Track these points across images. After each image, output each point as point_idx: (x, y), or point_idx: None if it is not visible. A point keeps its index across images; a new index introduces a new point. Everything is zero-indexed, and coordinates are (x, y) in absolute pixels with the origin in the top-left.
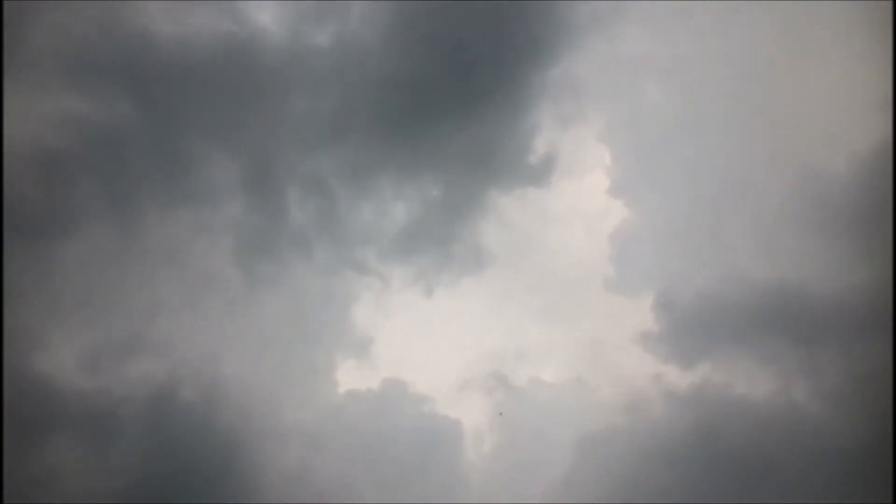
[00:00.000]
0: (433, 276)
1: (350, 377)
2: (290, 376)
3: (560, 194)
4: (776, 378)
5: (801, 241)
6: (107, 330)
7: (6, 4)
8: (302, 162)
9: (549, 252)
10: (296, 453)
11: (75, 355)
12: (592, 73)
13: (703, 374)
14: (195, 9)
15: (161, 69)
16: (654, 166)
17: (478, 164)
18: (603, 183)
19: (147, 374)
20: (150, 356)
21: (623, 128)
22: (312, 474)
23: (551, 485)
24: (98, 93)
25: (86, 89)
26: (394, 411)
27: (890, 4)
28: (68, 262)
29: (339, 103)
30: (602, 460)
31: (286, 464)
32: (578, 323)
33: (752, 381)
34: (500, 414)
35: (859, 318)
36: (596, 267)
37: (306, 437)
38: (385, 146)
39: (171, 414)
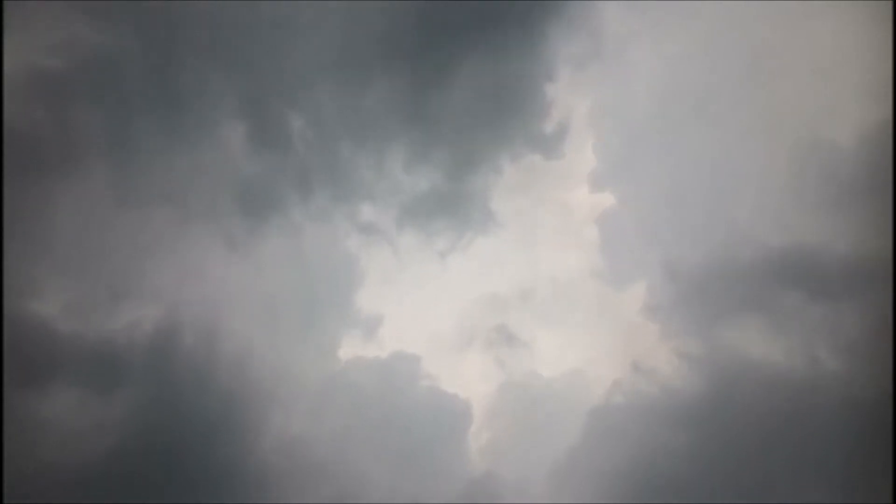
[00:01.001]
0: (440, 235)
1: (354, 342)
2: (292, 335)
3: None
4: (792, 336)
5: (807, 206)
6: (103, 273)
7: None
8: (306, 102)
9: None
10: (296, 419)
11: (70, 298)
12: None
13: (717, 339)
14: None
15: None
16: (657, 135)
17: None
18: (609, 149)
19: (144, 319)
20: (147, 300)
21: (620, 99)
22: (311, 440)
23: (560, 456)
24: (99, 18)
25: (86, 13)
26: (398, 378)
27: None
28: (66, 202)
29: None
30: (612, 430)
31: (284, 427)
32: (584, 295)
33: (767, 342)
34: None
35: (871, 271)
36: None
37: (307, 402)
38: (392, 93)
39: (170, 362)
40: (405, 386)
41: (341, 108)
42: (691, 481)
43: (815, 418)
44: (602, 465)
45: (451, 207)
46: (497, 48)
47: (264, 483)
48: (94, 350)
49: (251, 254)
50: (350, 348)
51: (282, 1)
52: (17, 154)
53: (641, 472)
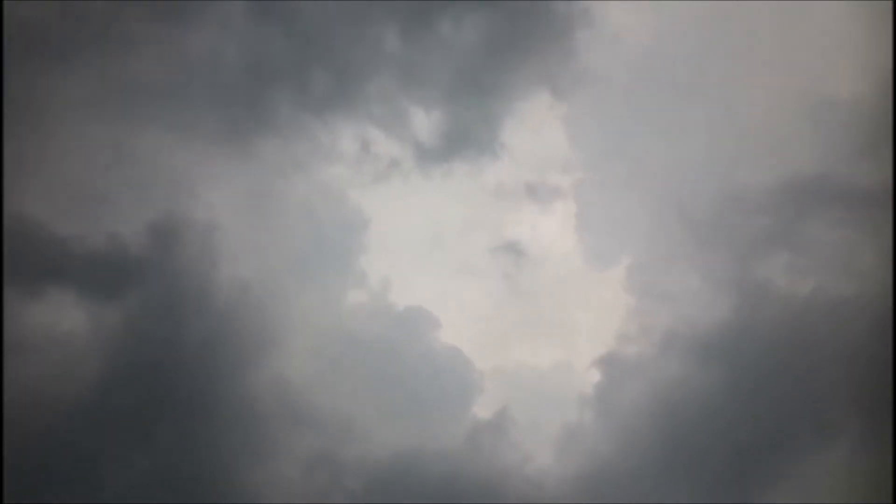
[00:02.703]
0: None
1: (362, 288)
2: (297, 269)
3: None
4: (813, 264)
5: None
6: (99, 173)
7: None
8: None
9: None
10: (292, 360)
11: (65, 198)
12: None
13: (738, 269)
14: None
15: None
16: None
17: None
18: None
19: (141, 221)
20: (143, 201)
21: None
22: (305, 385)
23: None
24: None
25: None
26: (407, 331)
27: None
28: (65, 95)
29: None
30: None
31: (279, 367)
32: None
33: (791, 272)
34: None
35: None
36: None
37: (305, 345)
38: None
39: (166, 269)
40: (412, 340)
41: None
42: (713, 413)
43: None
44: (621, 402)
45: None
46: None
47: (251, 422)
48: (92, 255)
49: (249, 163)
50: (358, 293)
51: None
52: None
53: (662, 407)
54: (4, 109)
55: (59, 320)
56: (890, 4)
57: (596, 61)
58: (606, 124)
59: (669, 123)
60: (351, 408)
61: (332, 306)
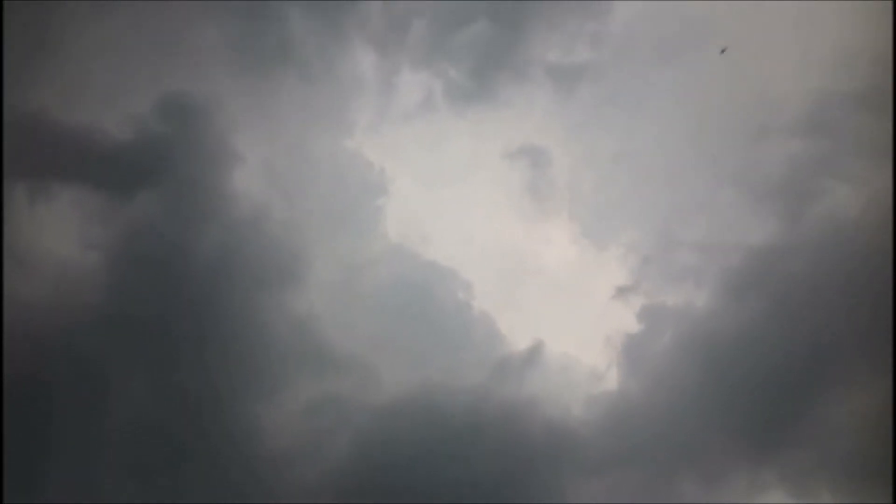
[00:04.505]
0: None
1: (390, 232)
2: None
3: None
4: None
5: None
6: (107, 61)
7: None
8: None
9: None
10: (310, 298)
11: (71, 88)
12: None
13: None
14: None
15: None
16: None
17: None
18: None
19: (150, 114)
20: (150, 94)
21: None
22: (323, 325)
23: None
24: None
25: None
26: (434, 288)
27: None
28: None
29: None
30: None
31: (297, 303)
32: None
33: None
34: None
35: None
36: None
37: (326, 284)
38: None
39: (179, 168)
40: (440, 295)
41: None
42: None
43: None
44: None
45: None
46: None
47: (262, 352)
48: (99, 145)
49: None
50: (383, 238)
51: None
52: None
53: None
54: None
55: (66, 223)
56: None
57: None
58: None
59: None
60: (369, 349)
61: (358, 247)
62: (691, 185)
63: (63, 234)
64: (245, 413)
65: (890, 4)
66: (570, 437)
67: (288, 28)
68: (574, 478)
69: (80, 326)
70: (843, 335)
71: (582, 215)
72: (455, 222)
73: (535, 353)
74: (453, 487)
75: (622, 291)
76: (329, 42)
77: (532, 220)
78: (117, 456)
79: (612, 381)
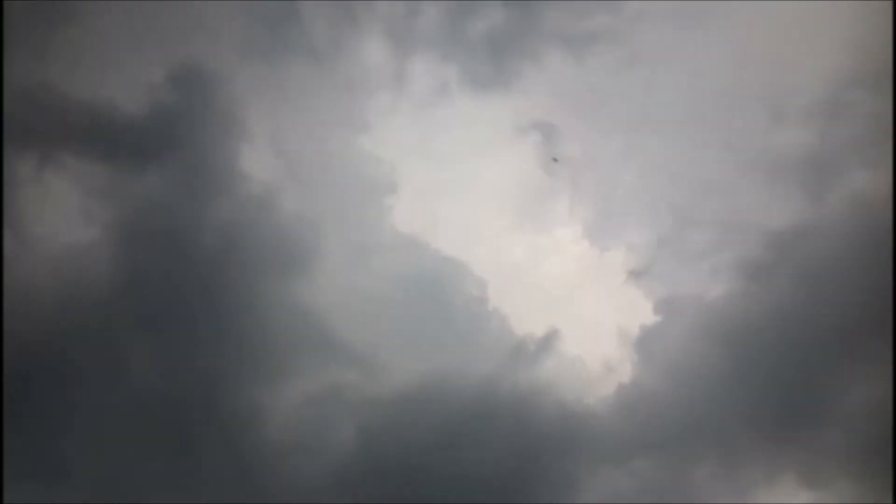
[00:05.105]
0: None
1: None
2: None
3: None
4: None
5: None
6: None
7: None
8: None
9: None
10: (316, 287)
11: (77, 61)
12: None
13: None
14: None
15: None
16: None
17: None
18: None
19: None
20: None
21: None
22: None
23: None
24: None
25: None
26: (444, 283)
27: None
28: None
29: None
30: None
31: (301, 293)
32: None
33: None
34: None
35: None
36: None
37: (332, 273)
38: None
39: (183, 145)
40: (449, 290)
41: None
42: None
43: None
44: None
45: None
46: None
47: (265, 339)
48: (104, 117)
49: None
50: (394, 232)
51: None
52: None
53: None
54: None
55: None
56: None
57: None
58: None
59: None
60: (375, 341)
61: (368, 236)
62: (709, 165)
63: (68, 209)
64: (247, 396)
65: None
66: (584, 424)
67: (300, 8)
68: (590, 465)
69: (83, 302)
70: (864, 320)
71: (595, 201)
72: (466, 209)
73: (548, 341)
74: (458, 481)
75: (636, 275)
76: (341, 25)
77: (545, 203)
78: (117, 440)
79: (626, 367)
